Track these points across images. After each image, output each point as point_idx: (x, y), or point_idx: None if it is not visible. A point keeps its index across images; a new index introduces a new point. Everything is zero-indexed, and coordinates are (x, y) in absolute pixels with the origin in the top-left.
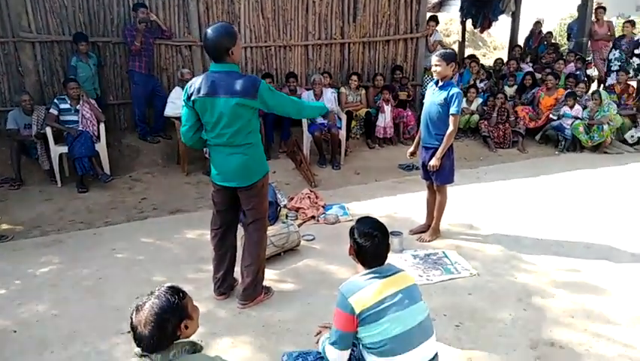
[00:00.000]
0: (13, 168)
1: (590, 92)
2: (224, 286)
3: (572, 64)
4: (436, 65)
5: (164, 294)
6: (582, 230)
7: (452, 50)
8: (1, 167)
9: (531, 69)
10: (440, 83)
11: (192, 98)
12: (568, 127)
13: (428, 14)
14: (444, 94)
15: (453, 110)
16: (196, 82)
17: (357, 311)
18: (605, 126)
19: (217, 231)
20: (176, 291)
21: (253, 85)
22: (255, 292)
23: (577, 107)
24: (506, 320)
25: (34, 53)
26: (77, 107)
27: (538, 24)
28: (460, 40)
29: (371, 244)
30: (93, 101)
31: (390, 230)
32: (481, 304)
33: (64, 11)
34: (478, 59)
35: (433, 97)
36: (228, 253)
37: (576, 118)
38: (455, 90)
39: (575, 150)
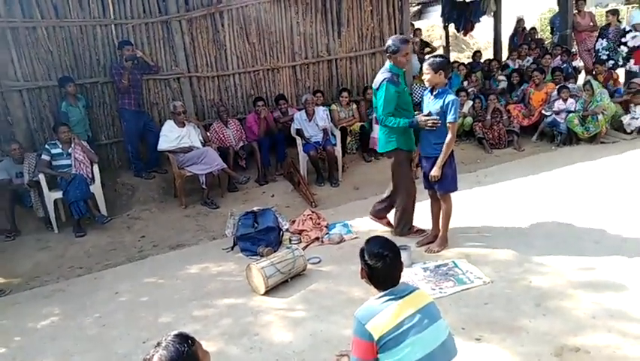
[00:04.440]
0: (7, 219)
1: (581, 83)
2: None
3: (558, 57)
4: (426, 74)
5: (172, 343)
6: (589, 225)
7: (442, 57)
8: None
9: (516, 67)
10: (435, 92)
11: None
12: (562, 121)
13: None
14: (439, 102)
15: (450, 118)
16: None
17: (375, 337)
18: (600, 116)
19: None
20: (184, 339)
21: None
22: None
23: (570, 99)
24: (527, 327)
25: (22, 100)
26: (69, 150)
27: (521, 21)
28: (444, 45)
29: (382, 265)
30: (85, 143)
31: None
32: (499, 314)
33: (49, 56)
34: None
35: (429, 106)
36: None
37: (571, 111)
38: (451, 98)
39: (572, 143)
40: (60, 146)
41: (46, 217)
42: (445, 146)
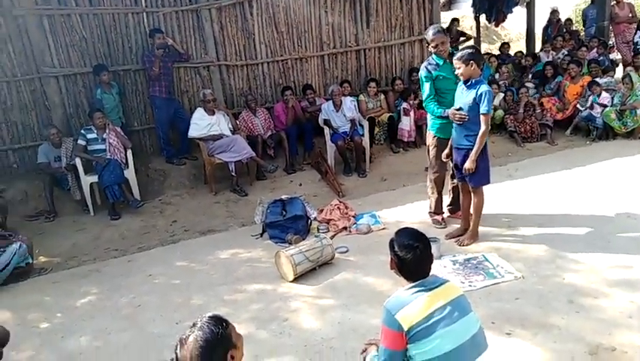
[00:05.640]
0: (46, 201)
1: (620, 76)
2: None
3: (594, 50)
4: (457, 68)
5: (207, 325)
6: (625, 221)
7: (471, 47)
8: (36, 200)
9: (551, 59)
10: (469, 82)
11: None
12: (598, 115)
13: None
14: (472, 93)
15: (483, 109)
16: None
17: (405, 328)
18: (639, 110)
19: None
20: (219, 321)
21: None
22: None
23: (604, 94)
24: (560, 324)
25: (59, 86)
26: (104, 135)
27: (555, 12)
28: (475, 36)
29: (413, 256)
30: (119, 129)
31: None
32: (531, 309)
33: (83, 43)
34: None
35: (461, 97)
36: None
37: (603, 106)
38: (484, 88)
39: (608, 138)
40: (95, 131)
41: (83, 200)
42: (478, 138)
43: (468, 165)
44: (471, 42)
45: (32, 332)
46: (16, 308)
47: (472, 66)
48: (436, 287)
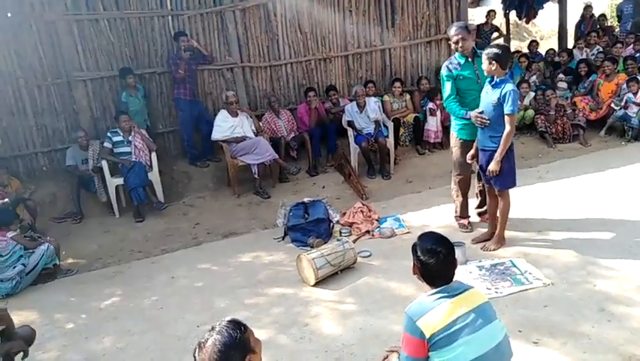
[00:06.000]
0: (74, 203)
1: None
2: None
3: (631, 46)
4: (483, 63)
5: (225, 329)
6: None
7: (501, 46)
8: (64, 202)
9: (585, 57)
10: (493, 82)
11: None
12: (634, 115)
13: (471, 10)
14: (497, 93)
15: (507, 109)
16: None
17: (427, 335)
18: None
19: None
20: (237, 325)
21: None
22: None
23: None
24: (590, 333)
25: (86, 90)
26: (130, 138)
27: (588, 8)
28: (505, 33)
29: (436, 262)
30: (144, 132)
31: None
32: (560, 317)
33: (111, 47)
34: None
35: (486, 97)
36: None
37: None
38: (509, 87)
39: None
40: (121, 134)
41: (109, 202)
42: (502, 139)
43: (492, 167)
44: (500, 40)
45: (58, 333)
46: (43, 308)
47: (493, 65)
48: (460, 293)
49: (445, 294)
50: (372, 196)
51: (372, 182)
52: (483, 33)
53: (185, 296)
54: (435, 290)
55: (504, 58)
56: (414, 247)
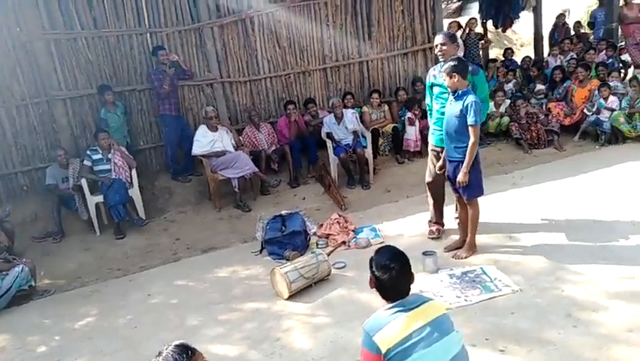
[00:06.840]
0: (54, 222)
1: (627, 78)
2: None
3: (603, 52)
4: (443, 80)
5: (171, 354)
6: (632, 231)
7: (458, 59)
8: (45, 221)
9: (559, 63)
10: (456, 93)
11: None
12: (606, 120)
13: (448, 20)
14: (459, 104)
15: (470, 120)
16: None
17: (383, 350)
18: None
19: None
20: (184, 349)
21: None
22: None
23: (611, 98)
24: (556, 340)
25: (65, 109)
26: (109, 156)
27: (562, 16)
28: (491, 41)
29: (389, 277)
30: (123, 149)
31: (423, 250)
32: (527, 324)
33: (89, 66)
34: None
35: (450, 108)
36: None
37: (611, 110)
38: (471, 99)
39: (617, 142)
40: (100, 152)
41: (90, 220)
42: (468, 150)
43: (460, 178)
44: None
45: (29, 356)
46: (15, 331)
47: (455, 78)
48: (417, 307)
49: (401, 308)
50: (352, 206)
51: (351, 192)
52: (470, 41)
53: (160, 314)
54: (391, 305)
55: (462, 68)
56: (370, 262)
